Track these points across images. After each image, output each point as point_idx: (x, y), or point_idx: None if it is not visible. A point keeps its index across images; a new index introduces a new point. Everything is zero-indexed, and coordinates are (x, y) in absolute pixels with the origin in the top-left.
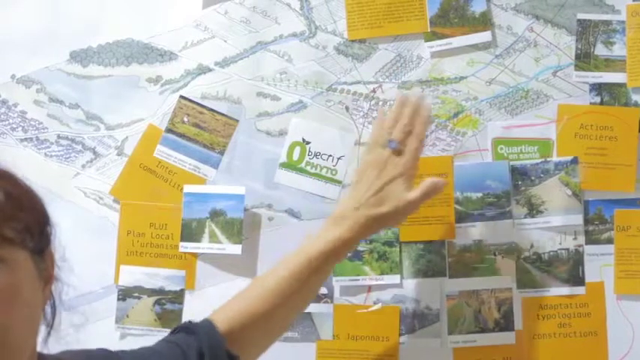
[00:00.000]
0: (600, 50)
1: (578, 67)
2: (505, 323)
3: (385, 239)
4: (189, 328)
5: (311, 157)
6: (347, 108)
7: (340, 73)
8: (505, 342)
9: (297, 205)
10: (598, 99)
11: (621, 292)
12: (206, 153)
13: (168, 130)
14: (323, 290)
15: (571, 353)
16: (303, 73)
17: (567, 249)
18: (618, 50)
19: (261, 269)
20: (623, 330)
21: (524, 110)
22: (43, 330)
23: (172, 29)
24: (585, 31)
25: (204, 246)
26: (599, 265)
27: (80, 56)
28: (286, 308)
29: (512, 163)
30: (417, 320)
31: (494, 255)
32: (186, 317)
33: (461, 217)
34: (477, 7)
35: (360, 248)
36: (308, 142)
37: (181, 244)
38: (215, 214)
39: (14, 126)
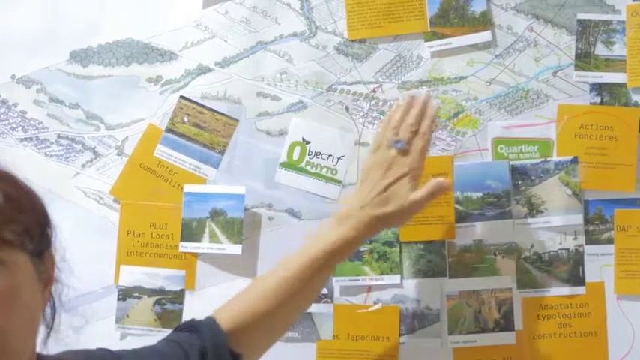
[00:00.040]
0: (600, 50)
1: (578, 67)
2: (505, 323)
3: (385, 239)
4: (193, 326)
5: (311, 157)
6: (347, 108)
7: (340, 73)
8: (505, 342)
9: (297, 205)
10: (598, 99)
11: (621, 292)
12: (206, 153)
13: (169, 130)
14: (323, 290)
15: (571, 353)
16: (303, 73)
17: (567, 249)
18: (618, 50)
19: (261, 269)
20: (624, 330)
21: (524, 110)
22: (42, 331)
23: (172, 29)
24: (585, 31)
25: (204, 246)
26: (600, 265)
27: (80, 56)
28: (288, 308)
29: (512, 163)
30: (417, 320)
31: (495, 255)
32: (186, 317)
33: (461, 217)
34: (477, 7)
35: (360, 248)
36: (308, 142)
37: (181, 244)
38: (215, 214)
39: (14, 126)
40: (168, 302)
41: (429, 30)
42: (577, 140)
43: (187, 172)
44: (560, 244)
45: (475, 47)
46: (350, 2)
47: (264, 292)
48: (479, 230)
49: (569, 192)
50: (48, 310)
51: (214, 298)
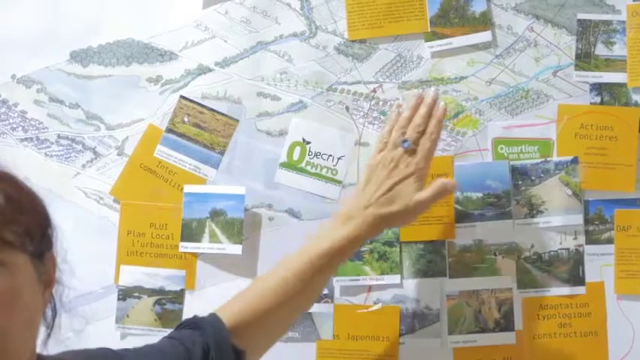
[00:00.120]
0: (600, 50)
1: (578, 67)
2: (505, 323)
3: (385, 239)
4: (195, 323)
5: (311, 157)
6: (347, 108)
7: (340, 73)
8: (505, 342)
9: (297, 205)
10: (598, 99)
11: (621, 292)
12: (206, 153)
13: (169, 130)
14: (324, 290)
15: (571, 353)
16: (303, 73)
17: (567, 249)
18: (618, 50)
19: (261, 269)
20: (624, 330)
21: (524, 110)
22: (42, 332)
23: (172, 29)
24: (585, 31)
25: (204, 246)
26: (600, 265)
27: (80, 56)
28: (289, 308)
29: (512, 163)
30: (417, 320)
31: (495, 255)
32: (186, 317)
33: (461, 217)
34: (477, 7)
35: (360, 248)
36: (308, 142)
37: (181, 244)
38: (215, 214)
39: (14, 126)
40: (168, 302)
41: (429, 30)
42: (577, 140)
43: (187, 172)
44: (561, 244)
45: (475, 47)
46: (350, 2)
47: (264, 293)
48: (479, 230)
49: (570, 192)
50: (48, 312)
51: (214, 298)
